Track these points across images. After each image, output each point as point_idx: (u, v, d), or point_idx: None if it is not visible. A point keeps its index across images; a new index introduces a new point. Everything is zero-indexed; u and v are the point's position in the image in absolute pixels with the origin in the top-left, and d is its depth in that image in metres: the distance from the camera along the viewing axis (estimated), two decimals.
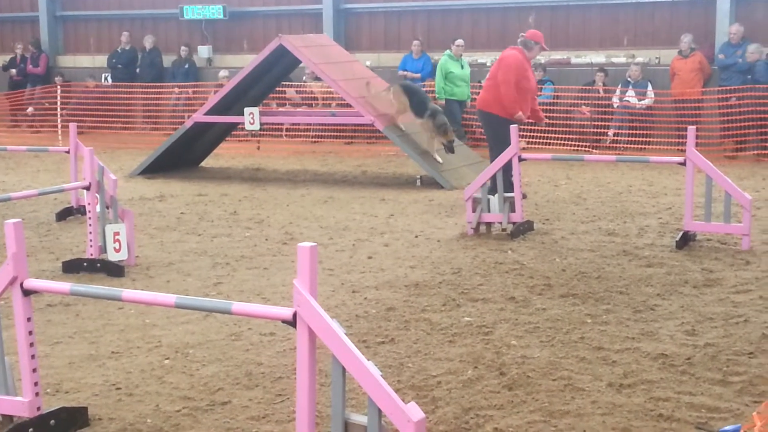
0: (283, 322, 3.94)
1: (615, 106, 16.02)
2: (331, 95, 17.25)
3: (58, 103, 19.11)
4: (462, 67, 15.49)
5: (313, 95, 18.14)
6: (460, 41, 15.82)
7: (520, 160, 9.23)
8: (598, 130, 15.86)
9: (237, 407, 4.92)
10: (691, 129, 8.64)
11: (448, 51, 15.57)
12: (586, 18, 17.65)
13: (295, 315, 3.87)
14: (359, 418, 3.88)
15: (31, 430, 4.43)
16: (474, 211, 9.21)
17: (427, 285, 7.31)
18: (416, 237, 9.21)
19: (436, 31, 18.92)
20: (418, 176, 12.87)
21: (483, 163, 12.19)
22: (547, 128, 15.49)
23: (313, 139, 17.61)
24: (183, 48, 20.16)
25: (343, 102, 14.79)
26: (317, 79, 16.55)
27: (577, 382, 5.14)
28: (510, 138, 9.19)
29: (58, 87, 19.43)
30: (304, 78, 18.17)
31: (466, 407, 4.84)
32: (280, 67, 14.40)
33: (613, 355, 5.59)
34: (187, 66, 20.00)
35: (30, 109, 20.30)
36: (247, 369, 5.50)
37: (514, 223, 9.08)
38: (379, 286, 7.34)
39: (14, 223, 4.43)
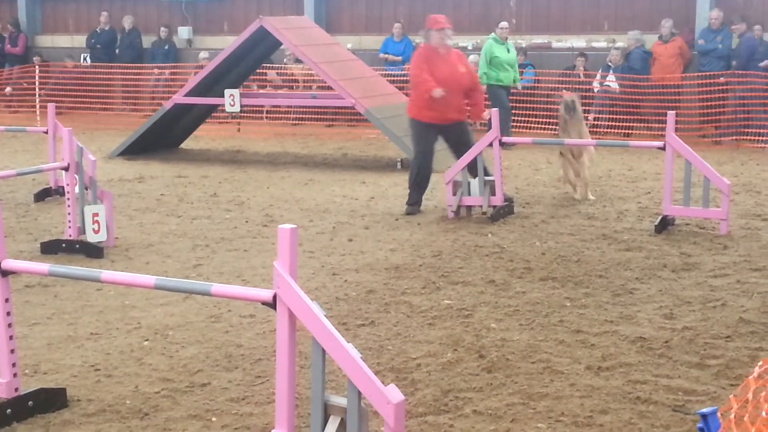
0: (263, 303, 3.93)
1: (596, 91, 16.04)
2: (311, 77, 17.20)
3: (37, 84, 18.95)
4: (508, 50, 14.78)
5: (293, 77, 18.08)
6: (504, 23, 15.04)
7: (501, 143, 9.25)
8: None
9: (216, 389, 4.92)
10: (671, 114, 8.67)
11: (492, 34, 14.84)
12: (567, 2, 17.65)
13: (275, 297, 3.85)
14: (339, 400, 3.88)
15: (9, 411, 4.41)
16: (454, 194, 9.22)
17: (408, 268, 7.31)
18: (396, 220, 9.21)
19: (418, 14, 18.86)
20: (399, 159, 12.86)
21: None
22: (527, 112, 15.51)
23: (294, 122, 17.55)
24: (163, 29, 20.01)
25: (323, 84, 14.74)
26: (298, 61, 16.49)
27: (555, 365, 5.17)
28: (419, 138, 9.51)
29: (36, 67, 19.27)
30: (284, 60, 18.10)
31: (446, 389, 4.85)
32: (261, 49, 14.33)
33: (591, 338, 5.62)
34: (167, 47, 19.86)
35: (8, 89, 20.12)
36: (226, 351, 5.49)
37: (494, 207, 9.10)
38: (360, 269, 7.34)
39: None
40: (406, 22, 18.48)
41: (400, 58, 17.78)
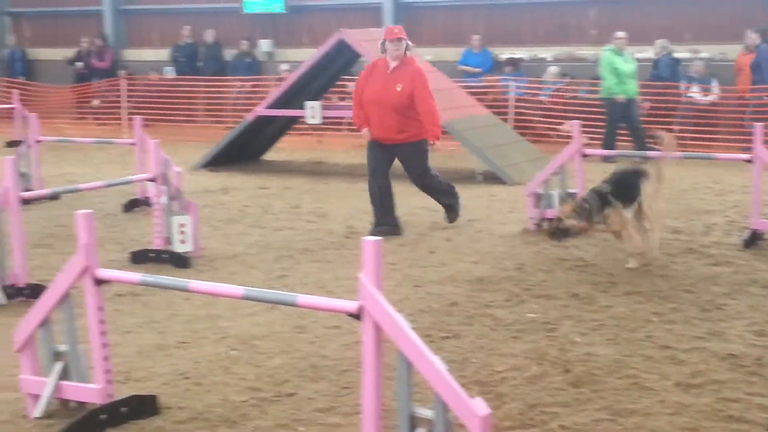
0: (349, 315, 3.97)
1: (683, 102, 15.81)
2: None
3: (123, 96, 19.39)
4: (628, 61, 14.39)
5: None
6: (621, 33, 14.54)
7: (584, 156, 9.17)
8: (662, 127, 15.62)
9: (303, 399, 4.97)
10: (759, 126, 8.51)
11: (610, 46, 14.44)
12: (648, 12, 17.45)
13: (360, 308, 3.89)
14: (425, 412, 3.89)
15: (103, 416, 4.51)
16: (536, 206, 9.17)
17: (490, 280, 7.30)
18: (478, 232, 9.20)
19: (497, 25, 18.85)
20: (479, 171, 12.83)
21: (544, 159, 12.12)
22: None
23: None
24: (244, 42, 20.33)
25: None
26: None
27: (643, 381, 5.10)
28: (368, 155, 9.18)
29: (123, 80, 19.72)
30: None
31: (531, 404, 4.83)
32: (341, 61, 14.44)
33: (680, 354, 5.53)
34: (248, 60, 20.17)
35: (96, 102, 20.62)
36: (312, 361, 5.54)
37: None
38: (442, 281, 7.35)
39: (85, 214, 4.52)
40: (485, 34, 18.47)
41: (479, 69, 17.78)
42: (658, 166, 7.82)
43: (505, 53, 18.44)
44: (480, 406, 3.63)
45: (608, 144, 14.22)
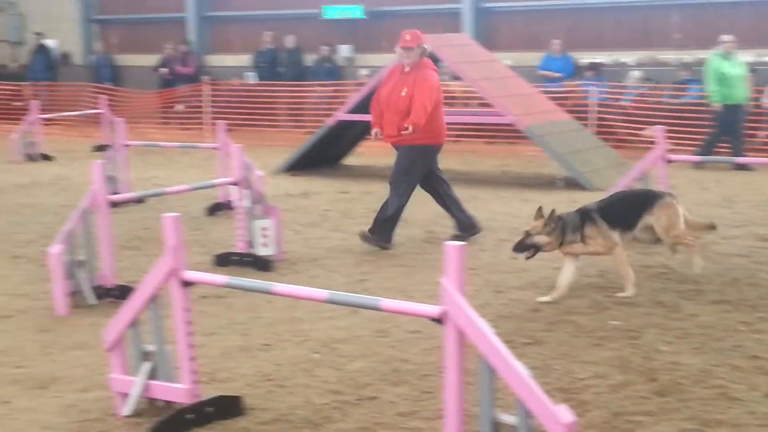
0: (431, 320, 3.97)
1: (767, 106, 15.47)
2: (470, 94, 17.23)
3: (206, 102, 19.70)
4: (736, 65, 13.92)
5: (452, 94, 18.15)
6: (727, 36, 14.04)
7: (668, 162, 9.03)
8: (748, 132, 15.31)
9: (385, 403, 4.99)
10: None
11: (717, 50, 14.06)
12: (734, 16, 17.10)
13: (443, 313, 3.90)
14: (508, 419, 3.88)
15: (189, 415, 4.59)
16: None
17: (572, 287, 7.22)
18: None
19: (578, 30, 18.67)
20: (560, 177, 12.73)
21: (626, 165, 11.97)
22: (693, 129, 15.09)
23: (454, 139, 17.59)
24: (324, 47, 20.49)
25: (483, 101, 14.75)
26: (456, 78, 16.55)
27: (732, 392, 5.00)
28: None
29: (206, 86, 20.04)
30: (442, 77, 18.19)
31: (616, 412, 4.78)
32: None
33: None
34: (329, 65, 20.32)
35: (179, 107, 20.99)
36: (393, 365, 5.56)
37: None
38: (523, 287, 7.31)
39: (172, 217, 4.61)
40: (565, 38, 18.31)
41: (560, 74, 17.63)
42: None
43: (586, 58, 18.26)
44: (564, 414, 3.61)
45: (706, 150, 13.93)
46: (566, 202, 11.15)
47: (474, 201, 11.42)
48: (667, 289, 7.14)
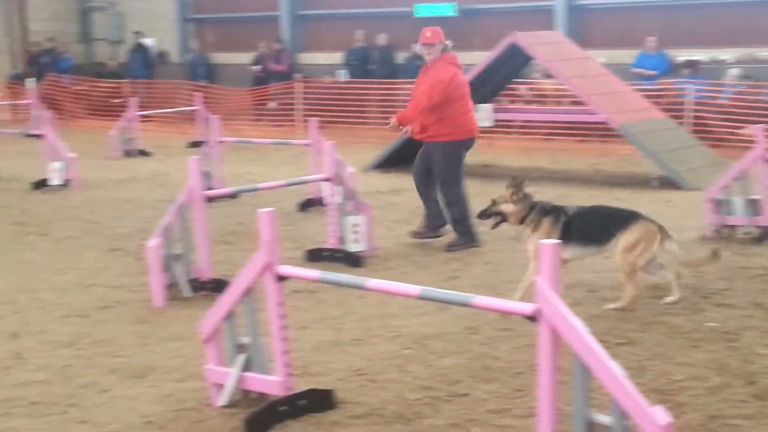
0: (525, 317, 3.95)
1: None
2: (562, 92, 17.06)
3: (298, 99, 19.91)
4: None
5: (544, 92, 18.01)
6: None
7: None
8: None
9: (476, 400, 4.98)
10: None
11: None
12: None
13: (536, 311, 3.87)
14: (602, 419, 3.84)
15: (282, 408, 4.66)
16: (715, 213, 8.87)
17: (666, 287, 7.10)
18: None
19: (674, 26, 18.32)
20: (655, 176, 12.51)
21: (724, 164, 11.71)
22: None
23: (545, 137, 17.47)
24: (415, 44, 20.50)
25: (575, 99, 14.60)
26: (549, 76, 16.42)
27: None
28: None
29: (298, 83, 20.25)
30: (534, 75, 18.07)
31: (712, 415, 4.69)
32: (512, 64, 14.37)
33: None
34: (419, 63, 20.32)
35: (272, 104, 21.26)
36: (484, 363, 5.55)
37: (760, 227, 8.68)
38: (616, 287, 7.20)
39: (267, 212, 4.67)
40: (661, 35, 17.98)
41: (655, 72, 17.32)
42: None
43: (682, 55, 17.90)
44: (661, 415, 3.56)
45: None
46: (661, 202, 10.98)
47: (565, 200, 11.31)
48: (767, 290, 6.96)
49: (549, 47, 13.44)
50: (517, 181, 6.94)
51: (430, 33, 9.00)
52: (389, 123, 9.15)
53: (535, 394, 4.42)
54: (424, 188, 9.15)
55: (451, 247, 8.76)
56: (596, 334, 5.88)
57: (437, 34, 8.97)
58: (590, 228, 6.67)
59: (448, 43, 9.03)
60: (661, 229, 6.68)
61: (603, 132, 16.28)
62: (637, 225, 6.59)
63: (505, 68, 14.37)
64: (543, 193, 11.67)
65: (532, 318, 3.90)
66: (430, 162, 9.01)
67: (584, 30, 19.33)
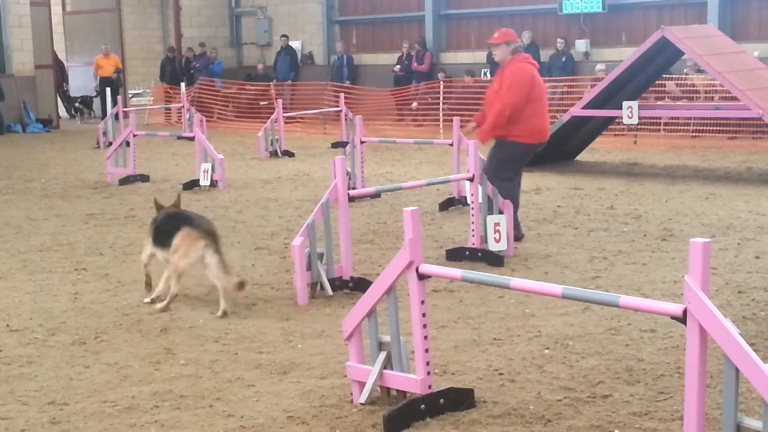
0: (673, 318, 3.85)
1: None
2: (713, 88, 16.54)
3: (440, 98, 19.96)
4: None
5: (694, 88, 17.49)
6: None
7: None
8: None
9: (618, 401, 4.88)
10: None
11: None
12: None
13: (685, 312, 3.77)
14: (754, 423, 3.70)
15: (422, 406, 4.68)
16: None
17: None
18: None
19: None
20: None
21: None
22: None
23: (693, 134, 16.98)
24: (559, 40, 20.26)
25: (727, 95, 14.13)
26: (700, 71, 15.94)
27: None
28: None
29: (441, 83, 20.30)
30: (685, 70, 17.58)
31: None
32: (661, 60, 14.03)
33: None
34: (564, 59, 20.07)
35: (414, 104, 21.39)
36: (627, 364, 5.44)
37: None
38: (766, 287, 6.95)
39: (411, 211, 4.69)
40: None
41: None
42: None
43: None
44: None
45: None
46: None
47: (714, 198, 10.98)
48: None
49: (700, 41, 13.05)
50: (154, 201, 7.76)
51: (497, 33, 8.95)
52: (468, 126, 9.15)
53: (680, 397, 4.32)
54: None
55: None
56: (746, 337, 5.70)
57: (504, 34, 8.89)
58: (165, 232, 7.08)
59: (520, 44, 8.94)
60: (209, 240, 6.83)
61: (756, 128, 15.72)
62: (182, 231, 6.90)
63: (654, 64, 14.02)
64: (691, 192, 11.39)
65: (681, 318, 3.80)
66: (495, 155, 8.83)
67: (739, 23, 18.67)
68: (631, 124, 13.93)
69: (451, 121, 11.37)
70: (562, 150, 14.56)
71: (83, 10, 27.69)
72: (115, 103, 18.77)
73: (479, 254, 8.16)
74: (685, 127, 17.15)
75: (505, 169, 8.77)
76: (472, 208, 8.31)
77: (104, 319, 6.67)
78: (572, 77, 19.36)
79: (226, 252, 8.79)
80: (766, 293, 6.81)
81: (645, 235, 9.03)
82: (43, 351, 5.98)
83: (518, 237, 8.77)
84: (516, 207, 8.77)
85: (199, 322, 6.54)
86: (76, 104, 25.77)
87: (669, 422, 4.58)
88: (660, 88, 17.30)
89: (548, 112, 9.14)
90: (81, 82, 26.40)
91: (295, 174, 14.22)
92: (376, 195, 11.18)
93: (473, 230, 8.29)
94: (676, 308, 3.83)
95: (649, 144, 16.38)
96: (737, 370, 3.64)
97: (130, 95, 25.17)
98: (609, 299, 4.18)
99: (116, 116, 18.45)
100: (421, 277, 4.68)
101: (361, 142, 11.83)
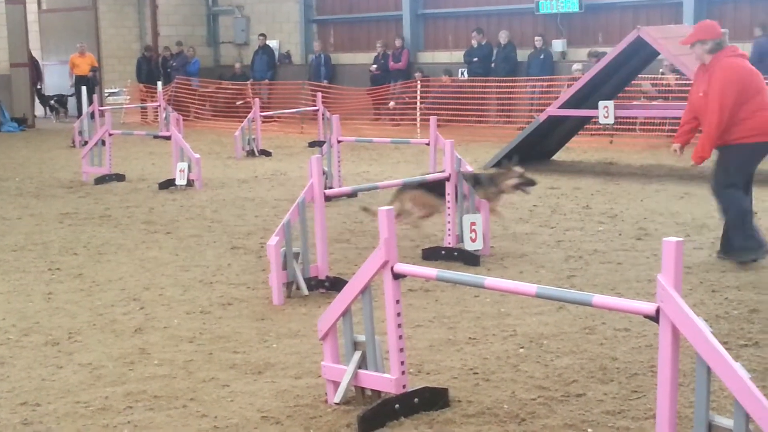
0: (646, 317, 3.87)
1: None
2: (688, 88, 16.61)
3: (418, 98, 19.97)
4: None
5: (669, 88, 17.58)
6: None
7: None
8: None
9: (592, 400, 4.90)
10: None
11: None
12: None
13: (658, 310, 3.79)
14: (724, 422, 3.72)
15: (396, 405, 4.68)
16: None
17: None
18: None
19: None
20: None
21: None
22: None
23: (668, 134, 17.04)
24: (537, 38, 20.30)
25: None
26: (675, 71, 16.02)
27: None
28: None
29: (418, 82, 20.31)
30: (660, 70, 17.66)
31: None
32: (637, 60, 14.09)
33: None
34: (542, 56, 20.12)
35: (392, 104, 21.39)
36: (601, 363, 5.46)
37: None
38: (741, 287, 7.00)
39: (387, 210, 4.68)
40: None
41: None
42: None
43: None
44: None
45: None
46: None
47: (689, 198, 11.05)
48: None
49: (676, 42, 13.08)
50: None
51: (692, 30, 7.96)
52: (673, 149, 8.22)
53: (653, 396, 4.33)
54: (716, 197, 8.03)
55: (723, 256, 7.90)
56: (718, 336, 5.71)
57: (695, 32, 7.80)
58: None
59: (720, 38, 7.68)
60: None
61: None
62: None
63: (630, 64, 14.08)
64: (667, 192, 11.45)
65: (653, 317, 3.82)
66: (723, 162, 7.79)
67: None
68: (607, 124, 13.98)
69: (428, 120, 11.36)
70: (538, 149, 14.61)
71: (59, 8, 27.51)
72: (90, 101, 18.65)
73: (455, 254, 8.17)
74: (661, 127, 17.24)
75: (734, 175, 7.79)
76: (449, 208, 8.32)
77: (78, 319, 6.63)
78: (550, 77, 19.42)
79: (202, 252, 8.78)
80: (739, 292, 6.86)
81: (620, 234, 9.08)
82: (16, 351, 5.94)
83: (762, 245, 7.77)
84: (746, 215, 7.78)
85: (173, 322, 6.52)
86: (51, 103, 25.61)
87: (642, 421, 4.60)
88: (635, 88, 17.38)
89: None
90: (56, 80, 26.22)
91: (272, 173, 14.19)
92: (353, 194, 11.16)
93: (449, 230, 8.30)
94: (649, 307, 3.84)
95: (625, 144, 16.46)
96: (709, 369, 3.66)
97: (106, 94, 25.03)
98: (582, 298, 4.19)
99: (92, 115, 18.31)
100: (396, 276, 4.67)
101: (338, 142, 11.82)
